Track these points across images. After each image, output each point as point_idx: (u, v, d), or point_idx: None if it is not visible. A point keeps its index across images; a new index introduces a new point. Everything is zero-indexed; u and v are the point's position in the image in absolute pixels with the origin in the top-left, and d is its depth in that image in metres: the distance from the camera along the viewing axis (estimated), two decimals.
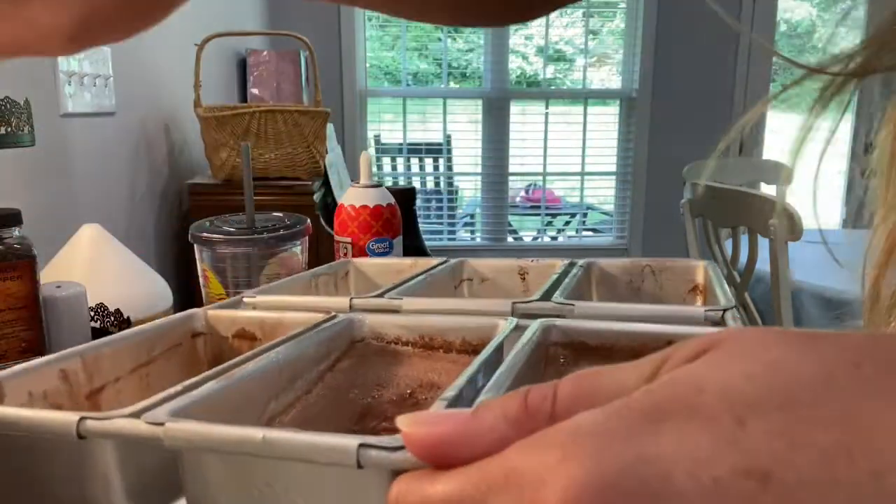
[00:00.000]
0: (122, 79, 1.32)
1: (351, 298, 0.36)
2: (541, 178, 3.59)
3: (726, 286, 0.37)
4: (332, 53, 3.21)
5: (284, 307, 0.37)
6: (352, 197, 0.77)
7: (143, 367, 0.33)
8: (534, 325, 0.29)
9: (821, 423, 0.14)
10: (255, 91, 2.30)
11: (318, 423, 0.29)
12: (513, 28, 3.31)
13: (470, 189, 3.71)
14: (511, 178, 3.45)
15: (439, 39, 3.43)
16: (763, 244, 1.74)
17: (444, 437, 0.17)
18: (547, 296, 0.34)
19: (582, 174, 3.60)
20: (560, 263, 0.43)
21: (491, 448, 0.16)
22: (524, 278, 0.45)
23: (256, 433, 0.20)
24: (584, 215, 3.77)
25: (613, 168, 3.59)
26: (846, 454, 0.14)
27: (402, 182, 3.42)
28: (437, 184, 3.52)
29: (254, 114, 1.51)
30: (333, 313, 0.33)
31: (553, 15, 3.53)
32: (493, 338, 0.29)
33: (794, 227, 1.63)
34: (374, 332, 0.33)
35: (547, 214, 3.72)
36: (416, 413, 0.18)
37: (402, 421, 0.17)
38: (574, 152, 3.58)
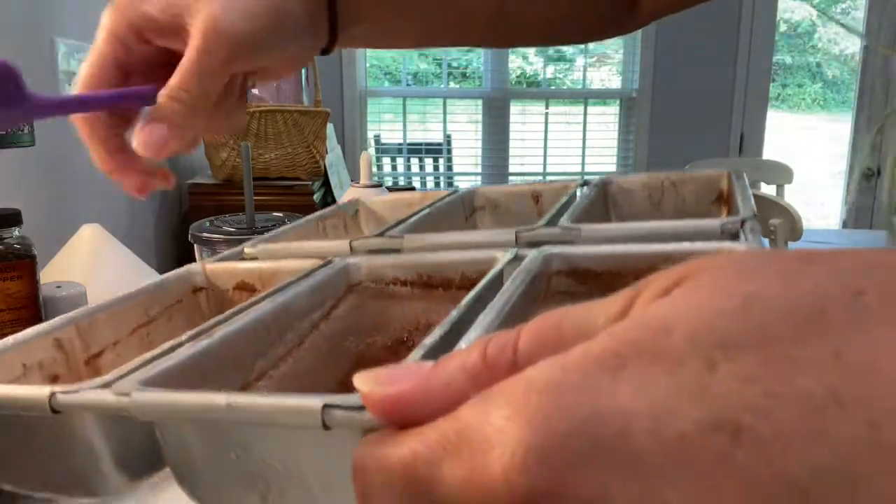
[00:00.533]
0: None
1: (351, 241, 0.34)
2: (541, 178, 3.59)
3: (749, 193, 0.33)
4: (332, 54, 3.20)
5: (285, 255, 0.36)
6: (352, 197, 0.77)
7: (143, 327, 0.32)
8: (532, 254, 0.27)
9: (806, 366, 0.12)
10: (255, 91, 2.29)
11: (308, 377, 0.28)
12: None
13: None
14: (511, 178, 3.45)
15: None
16: (763, 244, 1.74)
17: (402, 396, 0.16)
18: (553, 221, 0.32)
19: (582, 174, 3.60)
20: (573, 184, 0.41)
21: (450, 405, 0.15)
22: (538, 201, 0.43)
23: (220, 399, 0.20)
24: None
25: (613, 168, 3.59)
26: (835, 401, 0.11)
27: (402, 182, 3.42)
28: (437, 184, 3.52)
29: (254, 114, 1.51)
30: (329, 258, 0.32)
31: None
32: (490, 270, 0.27)
33: (794, 227, 1.63)
34: (371, 275, 0.31)
35: None
36: (375, 370, 0.17)
37: (358, 380, 0.16)
38: (574, 152, 3.58)
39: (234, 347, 0.26)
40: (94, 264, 0.85)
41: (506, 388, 0.14)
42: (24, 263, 0.59)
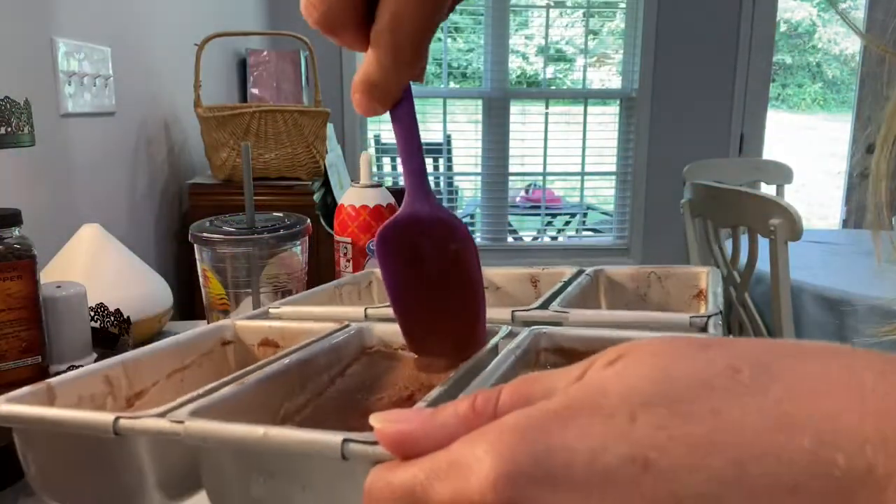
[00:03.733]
0: (122, 79, 1.32)
1: (366, 308, 0.39)
2: (541, 178, 3.59)
3: (720, 291, 0.38)
4: (332, 53, 3.21)
5: (306, 317, 0.40)
6: (352, 197, 0.77)
7: (179, 372, 0.37)
8: (524, 333, 0.31)
9: (695, 418, 0.17)
10: (255, 91, 2.30)
11: (326, 423, 0.31)
12: (513, 28, 3.30)
13: (470, 189, 3.71)
14: (511, 178, 3.45)
15: (439, 39, 3.43)
16: (763, 244, 1.74)
17: (408, 433, 0.20)
18: (546, 304, 0.36)
19: (582, 174, 3.60)
20: (569, 271, 0.45)
21: (444, 442, 0.20)
22: (536, 285, 0.47)
23: (258, 430, 0.24)
24: (584, 215, 3.77)
25: (613, 168, 3.59)
26: (711, 444, 0.17)
27: (402, 182, 3.42)
28: (437, 184, 3.52)
29: (254, 114, 1.51)
30: (347, 323, 0.36)
31: (553, 14, 3.53)
32: (488, 343, 0.32)
33: (794, 227, 1.63)
34: (382, 341, 0.36)
35: (547, 214, 3.72)
36: (387, 412, 0.21)
37: (374, 419, 0.21)
38: (574, 152, 3.58)
39: (265, 392, 0.31)
40: (94, 264, 0.85)
41: (486, 430, 0.19)
42: (24, 263, 0.59)
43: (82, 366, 0.57)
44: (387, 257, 0.30)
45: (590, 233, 3.80)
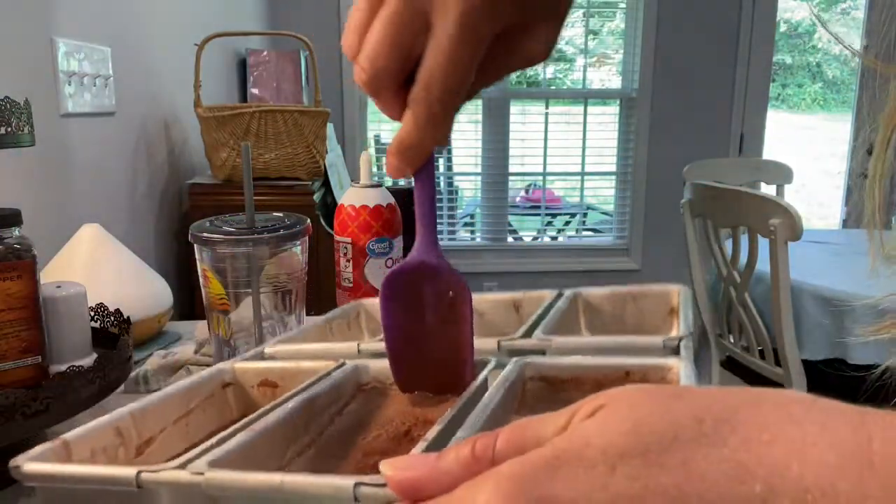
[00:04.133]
0: (122, 79, 1.32)
1: (359, 344, 0.41)
2: (541, 178, 3.59)
3: (690, 312, 0.40)
4: (332, 53, 3.21)
5: (301, 355, 0.42)
6: (352, 197, 0.77)
7: (184, 417, 0.38)
8: (510, 365, 0.33)
9: (665, 469, 0.20)
10: (255, 91, 2.30)
11: (330, 463, 0.34)
12: None
13: (470, 189, 3.71)
14: (511, 178, 3.45)
15: None
16: (763, 244, 1.74)
17: (416, 480, 0.23)
18: (530, 332, 0.38)
19: (582, 174, 3.60)
20: (549, 295, 0.47)
21: (448, 487, 0.22)
22: (518, 310, 0.49)
23: (275, 478, 0.26)
24: (584, 215, 3.77)
25: (613, 168, 3.59)
26: (682, 494, 0.19)
27: (402, 182, 3.42)
28: (437, 184, 3.52)
29: (254, 114, 1.51)
30: (342, 360, 0.38)
31: None
32: (478, 376, 0.34)
33: (794, 227, 1.63)
34: (376, 378, 0.37)
35: (547, 214, 3.72)
36: (395, 459, 0.24)
37: (384, 466, 0.23)
38: (574, 152, 3.58)
39: (273, 437, 0.33)
40: (94, 264, 0.85)
41: (487, 476, 0.21)
42: (24, 263, 0.59)
43: (82, 366, 0.57)
44: (390, 300, 0.34)
45: (590, 233, 3.80)
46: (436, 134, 0.32)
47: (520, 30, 0.32)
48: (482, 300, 0.50)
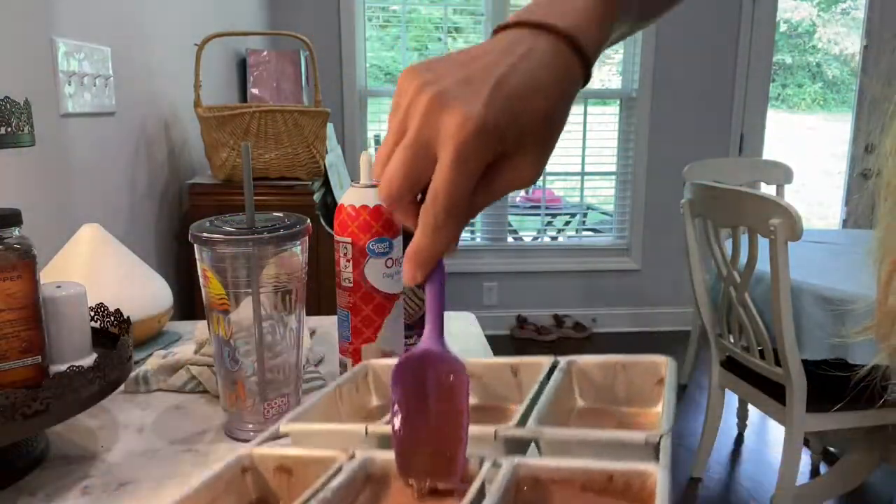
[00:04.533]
0: (122, 79, 1.32)
1: (367, 426, 0.44)
2: (541, 178, 3.58)
3: (674, 395, 0.43)
4: (332, 53, 3.21)
5: (313, 437, 0.46)
6: (352, 197, 0.77)
7: None
8: (504, 468, 0.36)
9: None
10: (255, 91, 2.30)
11: None
12: None
13: None
14: None
15: (439, 39, 3.43)
16: (763, 244, 1.74)
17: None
18: (524, 419, 0.41)
19: (582, 174, 3.60)
20: (546, 362, 0.50)
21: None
22: (516, 374, 0.52)
23: None
24: (584, 215, 3.77)
25: (613, 168, 3.59)
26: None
27: None
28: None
29: (254, 114, 1.51)
30: (352, 453, 0.41)
31: None
32: (476, 474, 0.37)
33: (794, 227, 1.63)
34: (384, 470, 0.40)
35: (547, 214, 3.72)
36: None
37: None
38: (574, 152, 3.58)
39: None
40: (94, 264, 0.85)
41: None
42: (24, 263, 0.59)
43: (82, 366, 0.57)
44: (399, 384, 0.39)
45: (590, 233, 3.80)
46: (442, 240, 0.38)
47: (508, 159, 0.39)
48: (478, 364, 0.53)
